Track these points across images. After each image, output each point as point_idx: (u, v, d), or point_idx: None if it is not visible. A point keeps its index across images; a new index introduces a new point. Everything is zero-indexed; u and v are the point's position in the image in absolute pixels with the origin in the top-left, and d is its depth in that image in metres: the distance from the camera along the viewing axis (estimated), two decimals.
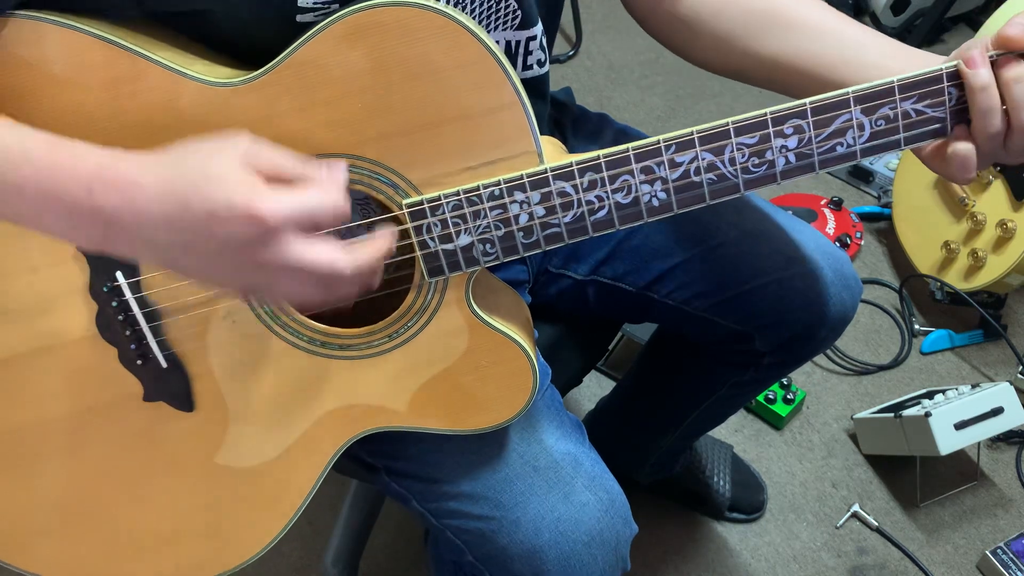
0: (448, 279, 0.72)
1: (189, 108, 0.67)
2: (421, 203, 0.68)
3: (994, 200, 1.66)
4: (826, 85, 0.70)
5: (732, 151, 0.68)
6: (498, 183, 0.68)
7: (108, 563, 0.83)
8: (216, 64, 0.70)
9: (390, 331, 0.74)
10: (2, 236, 0.71)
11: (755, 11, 0.82)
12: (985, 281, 1.66)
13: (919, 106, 0.68)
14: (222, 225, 0.57)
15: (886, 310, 1.83)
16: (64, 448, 0.78)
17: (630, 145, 0.67)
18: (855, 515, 1.50)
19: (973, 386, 1.50)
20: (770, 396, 1.60)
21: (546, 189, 0.68)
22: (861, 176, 2.07)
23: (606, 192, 0.69)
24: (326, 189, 0.60)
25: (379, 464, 0.89)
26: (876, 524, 1.48)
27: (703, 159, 0.68)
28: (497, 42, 0.80)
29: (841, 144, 0.68)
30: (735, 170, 0.69)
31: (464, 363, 0.75)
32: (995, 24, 1.55)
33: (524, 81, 0.82)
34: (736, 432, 1.61)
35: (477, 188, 0.68)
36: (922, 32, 2.36)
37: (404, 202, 0.69)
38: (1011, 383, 1.44)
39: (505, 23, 0.79)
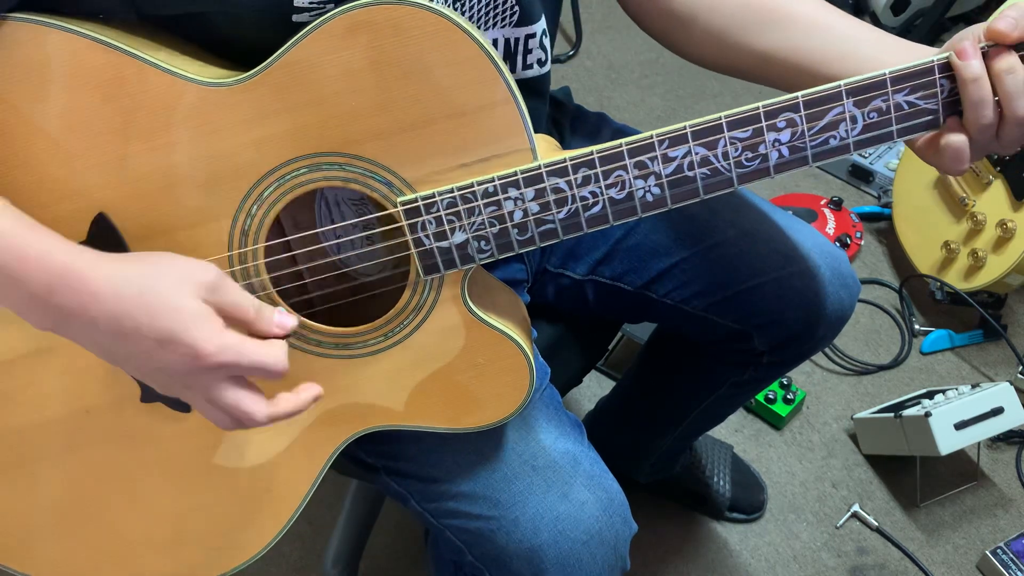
0: (444, 277, 0.72)
1: (184, 109, 0.67)
2: (416, 201, 0.69)
3: (994, 200, 1.66)
4: (821, 79, 0.70)
5: (725, 145, 0.68)
6: (492, 180, 0.68)
7: (106, 565, 0.83)
8: (210, 65, 0.70)
9: (386, 329, 0.74)
10: None
11: (750, 6, 0.82)
12: (985, 281, 1.66)
13: (911, 98, 0.68)
14: (164, 353, 0.61)
15: (886, 310, 1.83)
16: (62, 449, 0.78)
17: (623, 140, 0.68)
18: (855, 515, 1.49)
19: (973, 386, 1.49)
20: (770, 396, 1.60)
21: (540, 185, 0.68)
22: (861, 176, 2.07)
23: (600, 188, 0.69)
24: (270, 346, 0.64)
25: (378, 464, 0.89)
26: (876, 524, 1.47)
27: (696, 153, 0.68)
28: (495, 40, 0.80)
29: (834, 137, 0.68)
30: (728, 164, 0.69)
31: (461, 361, 0.75)
32: None
33: (524, 81, 0.82)
34: (736, 432, 1.61)
35: (471, 185, 0.68)
36: (922, 32, 2.36)
37: (399, 200, 0.69)
38: (1011, 383, 1.44)
39: (503, 20, 0.79)
